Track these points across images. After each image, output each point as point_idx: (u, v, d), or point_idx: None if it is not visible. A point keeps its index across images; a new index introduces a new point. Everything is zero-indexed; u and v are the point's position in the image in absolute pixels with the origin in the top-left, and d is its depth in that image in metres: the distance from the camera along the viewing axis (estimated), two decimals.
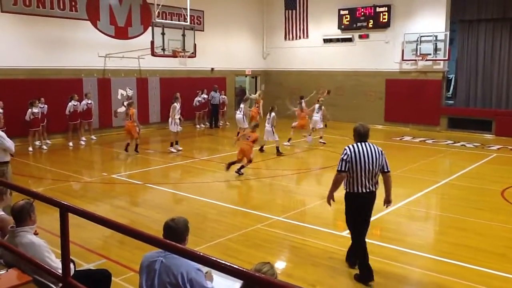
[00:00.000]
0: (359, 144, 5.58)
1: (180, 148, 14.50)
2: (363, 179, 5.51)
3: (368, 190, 5.57)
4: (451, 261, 6.17)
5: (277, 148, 13.93)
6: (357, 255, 5.78)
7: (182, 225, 3.66)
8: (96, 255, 6.26)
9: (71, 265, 3.77)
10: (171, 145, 14.50)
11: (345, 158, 5.51)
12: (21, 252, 3.80)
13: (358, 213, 5.70)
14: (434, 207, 9.47)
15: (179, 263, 3.39)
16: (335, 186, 5.71)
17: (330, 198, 5.84)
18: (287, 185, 10.57)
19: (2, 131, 7.71)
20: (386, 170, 5.63)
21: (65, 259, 3.30)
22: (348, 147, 5.58)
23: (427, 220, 8.57)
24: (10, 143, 7.36)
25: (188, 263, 3.37)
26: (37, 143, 14.82)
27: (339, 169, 5.55)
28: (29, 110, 14.21)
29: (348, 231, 6.22)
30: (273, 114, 14.08)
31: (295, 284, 2.04)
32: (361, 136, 5.62)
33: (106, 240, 6.83)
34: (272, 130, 13.88)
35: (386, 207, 5.99)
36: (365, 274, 5.61)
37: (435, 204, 9.62)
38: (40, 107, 14.56)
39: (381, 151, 5.61)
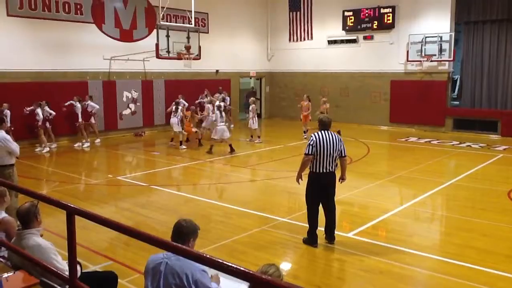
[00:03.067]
0: (322, 132, 6.60)
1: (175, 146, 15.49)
2: (325, 161, 6.53)
3: (327, 171, 6.60)
4: (457, 262, 6.14)
5: (230, 145, 14.39)
6: (310, 224, 6.77)
7: (190, 227, 3.67)
8: (102, 257, 6.28)
9: (78, 267, 3.78)
10: (181, 143, 15.28)
11: (311, 143, 6.51)
12: (28, 254, 3.82)
13: (318, 189, 6.70)
14: (439, 208, 9.44)
15: (184, 264, 3.40)
16: (303, 166, 6.72)
17: (299, 177, 6.82)
18: (292, 186, 10.53)
19: (6, 132, 7.75)
20: (343, 155, 6.73)
21: (72, 261, 3.31)
22: (314, 134, 6.60)
23: (433, 221, 8.54)
24: (15, 146, 7.40)
25: (193, 264, 3.38)
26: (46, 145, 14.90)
27: (306, 152, 6.55)
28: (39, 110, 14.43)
29: (354, 232, 6.24)
30: (224, 113, 14.62)
31: (301, 286, 2.04)
32: (324, 125, 6.66)
33: (112, 242, 6.85)
34: (225, 127, 14.38)
35: (341, 182, 6.90)
36: (310, 238, 6.72)
37: (440, 205, 9.58)
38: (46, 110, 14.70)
39: (340, 139, 6.67)
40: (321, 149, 6.46)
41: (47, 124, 14.89)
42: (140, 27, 18.37)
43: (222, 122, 14.30)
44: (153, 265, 3.53)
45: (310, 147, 6.50)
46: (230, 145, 14.28)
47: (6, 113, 13.55)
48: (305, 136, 17.16)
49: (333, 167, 6.65)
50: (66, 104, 15.59)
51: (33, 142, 14.91)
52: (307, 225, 6.83)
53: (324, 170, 6.56)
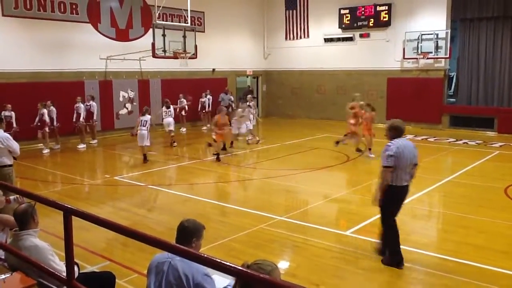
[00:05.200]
0: (400, 140, 5.90)
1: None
2: (404, 172, 5.86)
3: (407, 183, 5.95)
4: (455, 259, 6.16)
5: (145, 155, 13.03)
6: (393, 243, 6.02)
7: (192, 227, 3.63)
8: (99, 257, 6.27)
9: (75, 268, 3.77)
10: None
11: (392, 154, 5.75)
12: (25, 255, 3.81)
13: (397, 205, 5.99)
14: (437, 206, 9.46)
15: (186, 265, 3.38)
16: (385, 181, 5.84)
17: (379, 195, 5.90)
18: (289, 185, 10.56)
19: (9, 133, 7.78)
20: (416, 163, 6.08)
21: (69, 262, 3.30)
22: (392, 143, 5.85)
23: (430, 219, 8.56)
24: (16, 145, 7.42)
25: (196, 267, 3.34)
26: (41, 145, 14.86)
27: (387, 164, 5.77)
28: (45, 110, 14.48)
29: (351, 230, 6.18)
30: (149, 116, 13.02)
31: (299, 284, 2.04)
32: (401, 132, 5.99)
33: (110, 242, 6.84)
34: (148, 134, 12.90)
35: None
36: (396, 259, 5.95)
37: (438, 202, 9.61)
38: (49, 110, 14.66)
39: (415, 146, 6.08)
40: (401, 160, 5.79)
41: (55, 123, 14.87)
42: (136, 27, 18.37)
43: (144, 127, 12.78)
44: (157, 264, 3.52)
45: (391, 158, 5.75)
46: (145, 155, 12.96)
47: (11, 115, 13.61)
48: (360, 154, 13.57)
49: (411, 178, 6.05)
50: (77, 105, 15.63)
51: (31, 143, 14.84)
52: (306, 224, 6.82)
53: (404, 183, 5.92)
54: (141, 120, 12.99)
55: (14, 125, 13.71)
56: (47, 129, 14.50)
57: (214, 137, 13.17)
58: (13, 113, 13.82)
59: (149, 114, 13.28)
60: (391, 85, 20.65)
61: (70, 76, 16.73)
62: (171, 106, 16.20)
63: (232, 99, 20.96)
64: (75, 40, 16.72)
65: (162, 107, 16.33)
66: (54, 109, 14.80)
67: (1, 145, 7.25)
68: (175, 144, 15.59)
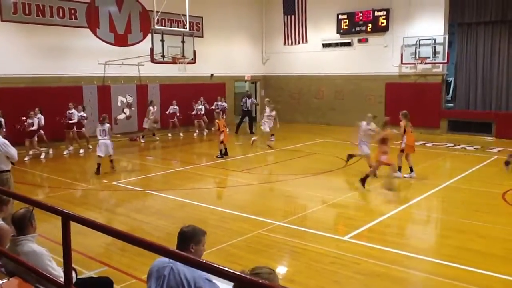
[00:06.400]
0: None
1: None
2: None
3: None
4: (453, 264, 6.15)
5: (112, 161, 12.61)
6: None
7: (190, 232, 3.62)
8: (97, 262, 6.25)
9: (73, 273, 3.75)
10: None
11: None
12: (23, 260, 3.80)
13: None
14: (435, 211, 9.46)
15: (188, 270, 3.37)
16: None
17: None
18: (288, 190, 10.55)
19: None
20: None
21: (67, 267, 3.29)
22: None
23: (429, 224, 8.56)
24: (14, 151, 7.40)
25: (198, 272, 3.34)
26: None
27: None
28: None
29: (350, 235, 6.18)
30: (108, 125, 12.39)
31: None
32: None
33: (108, 248, 6.82)
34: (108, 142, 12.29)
35: None
36: None
37: (436, 208, 9.61)
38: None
39: None
40: None
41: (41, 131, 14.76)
42: (135, 32, 18.41)
43: (105, 136, 12.22)
44: (157, 269, 3.50)
45: None
46: (112, 161, 12.49)
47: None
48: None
49: None
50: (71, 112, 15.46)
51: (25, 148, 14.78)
52: (304, 229, 6.81)
53: None
54: (100, 130, 12.25)
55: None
56: (35, 137, 14.35)
57: (383, 160, 10.49)
58: (2, 119, 13.61)
59: (108, 122, 12.52)
60: (390, 90, 20.69)
61: (68, 81, 16.71)
62: (151, 108, 18.02)
63: (256, 102, 20.95)
64: (73, 45, 16.72)
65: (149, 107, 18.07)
66: (41, 116, 14.55)
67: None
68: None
